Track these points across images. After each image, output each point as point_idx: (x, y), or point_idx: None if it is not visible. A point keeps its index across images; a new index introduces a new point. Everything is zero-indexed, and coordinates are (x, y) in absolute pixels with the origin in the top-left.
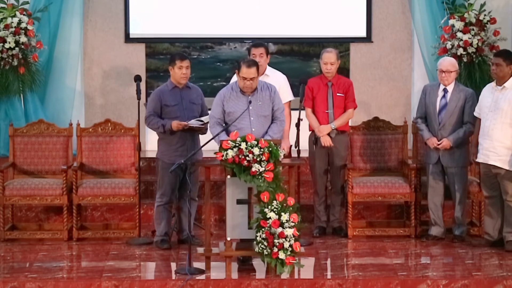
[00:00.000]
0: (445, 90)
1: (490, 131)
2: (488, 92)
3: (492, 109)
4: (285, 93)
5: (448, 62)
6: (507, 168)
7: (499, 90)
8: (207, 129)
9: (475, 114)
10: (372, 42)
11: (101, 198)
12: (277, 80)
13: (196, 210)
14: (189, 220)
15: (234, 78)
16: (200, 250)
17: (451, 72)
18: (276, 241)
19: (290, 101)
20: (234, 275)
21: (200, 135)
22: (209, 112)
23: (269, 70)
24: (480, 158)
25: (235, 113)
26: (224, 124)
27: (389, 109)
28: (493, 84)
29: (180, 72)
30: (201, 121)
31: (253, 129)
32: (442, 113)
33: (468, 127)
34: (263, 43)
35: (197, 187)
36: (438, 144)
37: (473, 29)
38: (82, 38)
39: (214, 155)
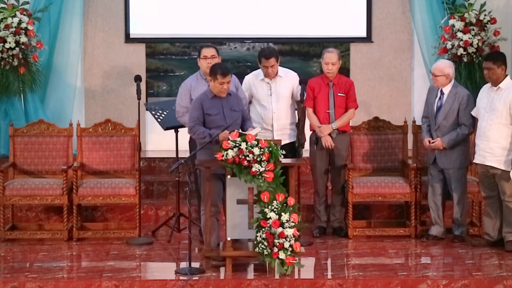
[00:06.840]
0: (441, 92)
1: (486, 131)
2: (485, 93)
3: (488, 110)
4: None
5: (436, 66)
6: (503, 168)
7: (495, 91)
8: None
9: (473, 114)
10: (372, 42)
11: (101, 198)
12: (291, 80)
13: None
14: (189, 220)
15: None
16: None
17: (437, 76)
18: (276, 241)
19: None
20: (234, 275)
21: None
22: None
23: (282, 71)
24: (477, 159)
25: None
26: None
27: (389, 109)
28: (489, 85)
29: (221, 87)
30: (243, 134)
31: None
32: (438, 114)
33: (462, 129)
34: (272, 52)
35: None
36: (432, 143)
37: (473, 29)
38: (82, 38)
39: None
